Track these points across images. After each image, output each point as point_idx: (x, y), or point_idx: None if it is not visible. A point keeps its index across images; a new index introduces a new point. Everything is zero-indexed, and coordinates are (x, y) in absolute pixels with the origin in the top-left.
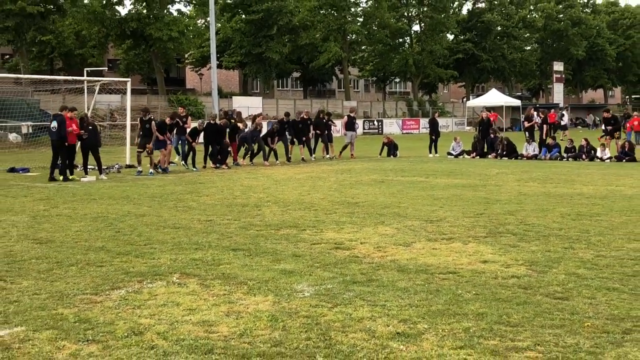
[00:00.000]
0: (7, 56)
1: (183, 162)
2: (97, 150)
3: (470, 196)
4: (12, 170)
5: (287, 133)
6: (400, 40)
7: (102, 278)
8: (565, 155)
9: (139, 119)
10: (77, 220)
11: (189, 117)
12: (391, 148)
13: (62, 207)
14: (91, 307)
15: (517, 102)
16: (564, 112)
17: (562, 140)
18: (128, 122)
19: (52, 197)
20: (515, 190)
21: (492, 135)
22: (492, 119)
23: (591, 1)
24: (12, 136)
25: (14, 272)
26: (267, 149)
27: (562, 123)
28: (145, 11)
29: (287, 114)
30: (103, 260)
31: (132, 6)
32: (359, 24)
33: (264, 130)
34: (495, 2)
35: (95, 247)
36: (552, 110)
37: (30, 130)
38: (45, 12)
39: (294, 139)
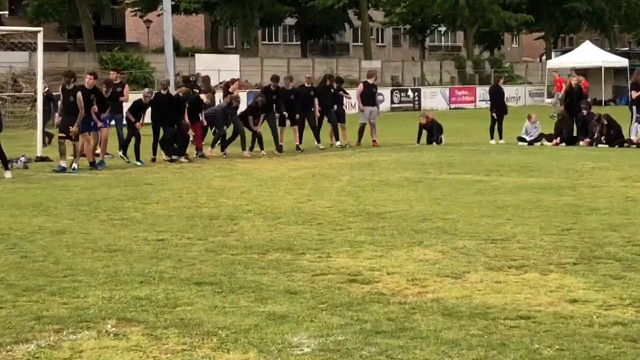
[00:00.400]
0: None
1: (121, 152)
2: None
3: (552, 203)
4: None
5: (275, 109)
6: None
7: (1, 326)
8: None
9: (60, 88)
10: None
11: (126, 86)
12: (433, 131)
13: None
14: None
15: (622, 62)
16: None
17: None
18: (39, 94)
19: None
20: (620, 194)
21: (584, 112)
22: (584, 86)
23: None
24: None
25: None
26: (247, 132)
27: None
28: None
29: (275, 79)
30: (2, 299)
31: None
32: None
33: (243, 107)
34: None
35: None
36: None
37: None
38: None
39: (287, 118)
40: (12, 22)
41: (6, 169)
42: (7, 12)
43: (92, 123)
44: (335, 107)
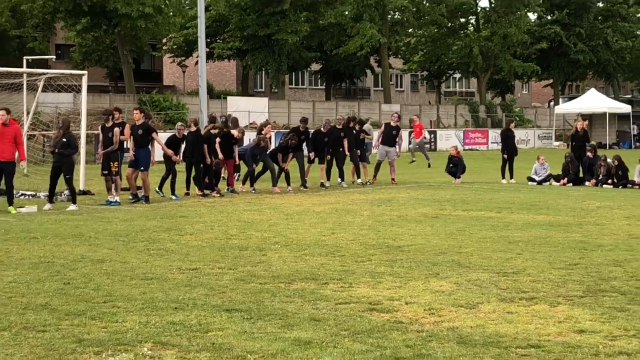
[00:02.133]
0: None
1: (157, 188)
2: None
3: (560, 239)
4: None
5: (303, 148)
6: (462, 20)
7: (45, 348)
8: None
9: (100, 127)
10: (12, 267)
11: (127, 126)
12: (459, 165)
13: None
14: None
15: (626, 108)
16: None
17: None
18: (83, 132)
19: None
20: (624, 232)
21: (590, 154)
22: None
23: None
24: None
25: None
26: (276, 169)
27: None
28: None
29: (304, 120)
30: (47, 323)
31: None
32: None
33: (272, 145)
34: None
35: (36, 305)
36: None
37: None
38: None
39: (316, 157)
40: (59, 66)
41: (50, 201)
42: (54, 57)
43: (138, 159)
44: (357, 147)
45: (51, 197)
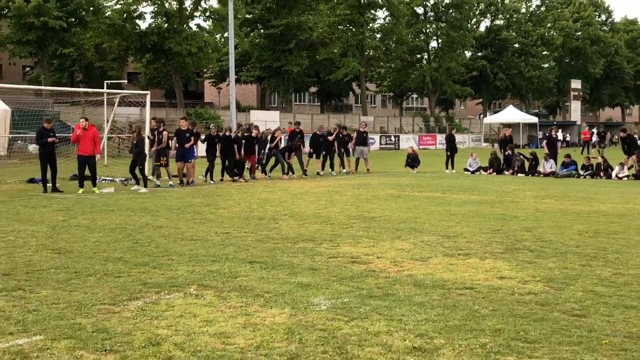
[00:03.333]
0: (28, 68)
1: (202, 175)
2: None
3: (487, 212)
4: (32, 181)
5: (301, 146)
6: (418, 56)
7: (120, 289)
8: (582, 172)
9: (156, 132)
10: (96, 231)
11: (165, 132)
12: (415, 160)
13: (80, 217)
14: (109, 317)
15: (534, 119)
16: (594, 130)
17: (594, 158)
18: (146, 135)
19: (71, 208)
20: (532, 207)
21: (509, 152)
22: (506, 135)
23: (609, 19)
24: (32, 147)
25: (32, 282)
26: (285, 163)
27: (593, 140)
28: (165, 25)
29: (297, 123)
30: (121, 271)
31: (152, 20)
32: (377, 40)
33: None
34: (513, 19)
35: (114, 258)
36: (587, 129)
37: (53, 140)
38: (68, 26)
39: (314, 153)
40: (129, 88)
41: (145, 185)
42: (126, 81)
43: (185, 154)
44: (344, 146)
45: (137, 181)
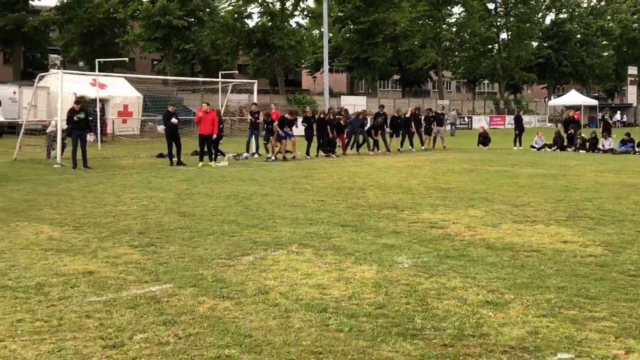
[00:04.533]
0: (156, 62)
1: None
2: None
3: (551, 184)
4: (161, 155)
5: (385, 126)
6: (489, 46)
7: (234, 246)
8: (638, 149)
9: (264, 116)
10: (213, 197)
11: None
12: (486, 138)
13: (200, 186)
14: (225, 270)
15: (594, 102)
16: None
17: None
18: (261, 118)
19: (192, 178)
20: (592, 180)
21: (572, 131)
22: (576, 116)
23: None
24: (161, 127)
25: (162, 239)
26: (371, 140)
27: None
28: (269, 23)
29: (381, 106)
30: (234, 231)
31: (258, 19)
32: (452, 32)
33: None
34: (576, 13)
35: (228, 220)
36: None
37: (175, 121)
38: (188, 25)
39: (393, 132)
40: (239, 77)
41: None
42: (237, 72)
43: (286, 134)
44: (424, 126)
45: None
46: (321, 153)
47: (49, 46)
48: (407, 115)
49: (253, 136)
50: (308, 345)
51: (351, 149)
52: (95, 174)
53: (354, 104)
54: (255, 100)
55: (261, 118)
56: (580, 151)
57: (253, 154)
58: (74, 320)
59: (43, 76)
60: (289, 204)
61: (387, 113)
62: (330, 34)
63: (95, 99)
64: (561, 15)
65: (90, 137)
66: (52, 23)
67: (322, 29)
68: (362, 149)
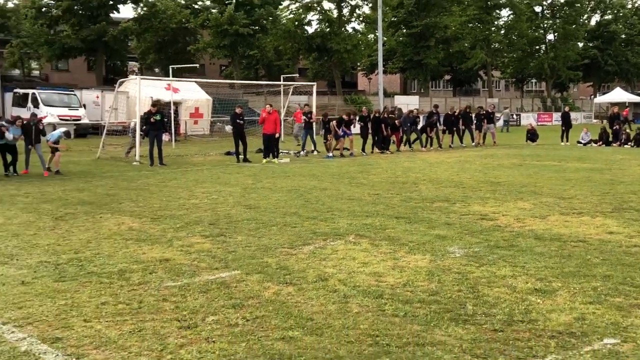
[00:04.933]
0: (224, 67)
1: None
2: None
3: (597, 178)
4: (228, 153)
5: (438, 124)
6: (537, 47)
7: (295, 236)
8: None
9: (322, 116)
10: (276, 192)
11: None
12: (534, 134)
13: (265, 181)
14: (288, 258)
15: (638, 99)
16: None
17: None
18: (314, 118)
19: (257, 174)
20: (637, 174)
21: (616, 127)
22: (624, 114)
23: None
24: (228, 127)
25: (231, 230)
26: (424, 137)
27: None
28: (327, 29)
29: (435, 106)
30: (296, 222)
31: (317, 26)
32: (501, 34)
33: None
34: (620, 14)
35: (290, 213)
36: None
37: (243, 122)
38: (253, 32)
39: (446, 129)
40: (300, 80)
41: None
42: (297, 75)
43: (344, 133)
44: (473, 123)
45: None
46: (376, 150)
47: (127, 54)
48: (456, 113)
49: (308, 135)
50: (365, 328)
51: (404, 145)
52: (170, 171)
53: (407, 103)
54: (314, 102)
55: (314, 117)
56: (625, 146)
57: (312, 151)
58: (152, 303)
59: (123, 82)
60: (346, 198)
61: (439, 112)
62: (385, 38)
63: (170, 102)
64: (606, 17)
65: (165, 137)
66: (131, 33)
67: (376, 34)
68: (415, 145)
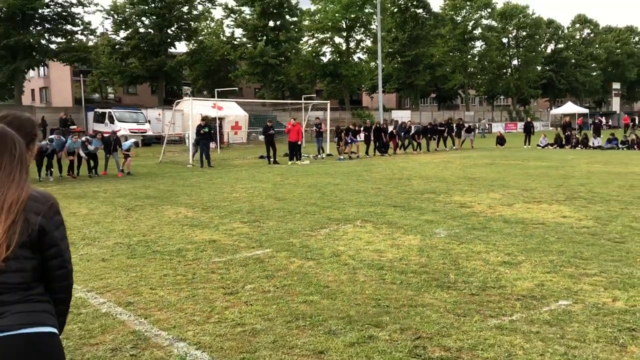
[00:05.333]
0: (257, 89)
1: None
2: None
3: (553, 173)
4: (261, 157)
5: (426, 132)
6: (504, 71)
7: (314, 221)
8: (621, 146)
9: (336, 127)
10: (299, 187)
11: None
12: (502, 140)
13: (290, 179)
14: (309, 239)
15: (585, 111)
16: (635, 117)
17: (626, 136)
18: (328, 128)
19: (284, 173)
20: (585, 170)
21: (567, 133)
22: (578, 122)
23: None
24: (261, 137)
25: (264, 217)
26: (415, 143)
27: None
28: (338, 59)
29: (430, 123)
30: (315, 211)
31: (330, 56)
32: (475, 61)
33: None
34: (571, 43)
35: (310, 203)
36: (626, 115)
37: (273, 132)
38: (279, 62)
39: (431, 137)
40: (317, 99)
41: (299, 159)
42: (315, 95)
43: (352, 140)
44: (454, 131)
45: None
46: (377, 153)
47: (182, 81)
48: (442, 123)
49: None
50: (370, 293)
51: (399, 149)
52: (216, 171)
53: (402, 116)
54: (328, 116)
55: (323, 128)
56: (575, 148)
57: (322, 155)
58: (203, 275)
59: (179, 102)
60: (354, 191)
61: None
62: (383, 65)
63: (216, 118)
64: (559, 45)
65: (212, 145)
66: (184, 64)
67: (377, 62)
68: (408, 150)
